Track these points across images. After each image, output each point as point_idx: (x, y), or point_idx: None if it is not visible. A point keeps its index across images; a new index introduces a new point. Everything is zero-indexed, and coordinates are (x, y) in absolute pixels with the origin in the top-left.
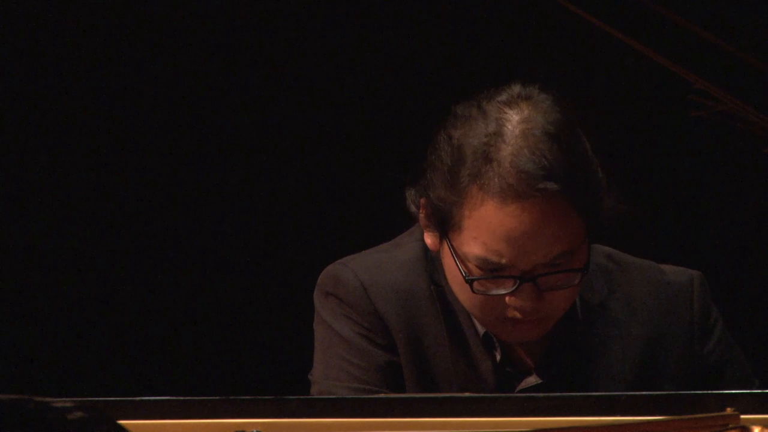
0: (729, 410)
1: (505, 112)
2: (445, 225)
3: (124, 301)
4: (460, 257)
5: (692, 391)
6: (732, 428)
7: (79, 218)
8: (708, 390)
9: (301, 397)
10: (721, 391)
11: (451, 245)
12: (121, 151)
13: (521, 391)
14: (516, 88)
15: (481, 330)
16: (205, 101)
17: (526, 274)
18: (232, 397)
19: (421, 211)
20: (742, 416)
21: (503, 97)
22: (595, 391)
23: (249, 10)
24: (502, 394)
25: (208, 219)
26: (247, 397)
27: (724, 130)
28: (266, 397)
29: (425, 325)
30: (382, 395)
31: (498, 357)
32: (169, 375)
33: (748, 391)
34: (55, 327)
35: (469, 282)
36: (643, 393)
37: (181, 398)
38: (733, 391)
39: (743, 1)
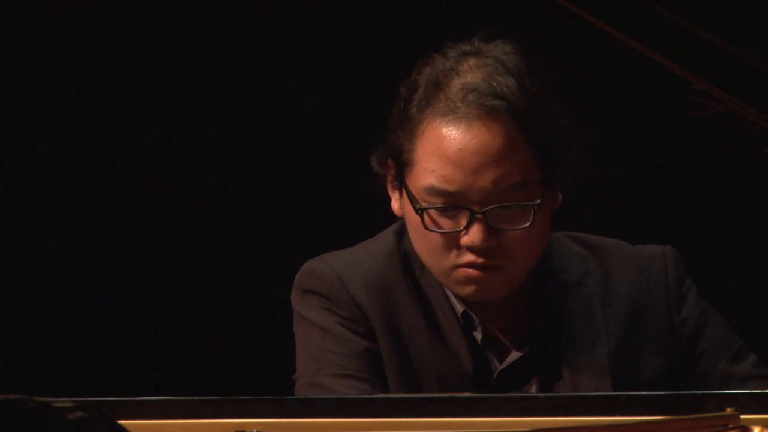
0: (729, 410)
1: (464, 57)
2: (402, 167)
3: (124, 301)
4: (414, 196)
5: (692, 391)
6: (732, 428)
7: (79, 219)
8: (708, 390)
9: (301, 397)
10: (721, 391)
11: (407, 187)
12: (113, 153)
13: (503, 369)
14: (477, 42)
15: (459, 309)
16: (188, 103)
17: (476, 206)
18: (232, 397)
19: (389, 172)
20: (742, 416)
21: (465, 46)
22: (578, 364)
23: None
24: (502, 395)
25: (207, 219)
26: (247, 397)
27: (724, 130)
28: (266, 397)
29: (402, 314)
30: (381, 395)
31: (479, 337)
32: (169, 375)
33: (748, 391)
34: (55, 327)
35: (420, 212)
36: (643, 393)
37: (181, 398)
38: (733, 391)
39: (743, 1)
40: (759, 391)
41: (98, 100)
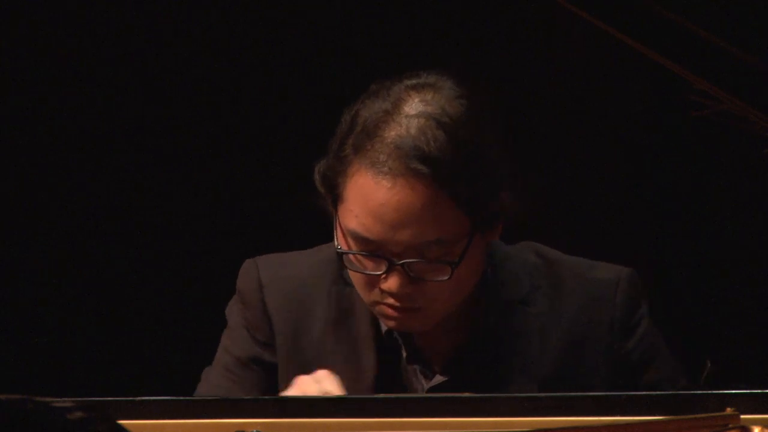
0: (729, 410)
1: (408, 95)
2: (335, 197)
3: (124, 301)
4: (341, 230)
5: (692, 392)
6: (732, 428)
7: (78, 219)
8: (708, 390)
9: (301, 397)
10: (721, 391)
11: (337, 218)
12: (105, 154)
13: (430, 390)
14: (428, 76)
15: (384, 327)
16: (171, 107)
17: (395, 257)
18: (232, 397)
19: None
20: (742, 416)
21: (412, 81)
22: (509, 387)
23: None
24: (502, 395)
25: (208, 219)
26: (247, 397)
27: (724, 130)
28: (266, 397)
29: (313, 326)
30: (381, 395)
31: (404, 355)
32: (169, 375)
33: (748, 391)
34: (54, 327)
35: (340, 255)
36: (643, 393)
37: (181, 398)
38: (733, 391)
39: (743, 1)
40: (759, 391)
41: (74, 100)
